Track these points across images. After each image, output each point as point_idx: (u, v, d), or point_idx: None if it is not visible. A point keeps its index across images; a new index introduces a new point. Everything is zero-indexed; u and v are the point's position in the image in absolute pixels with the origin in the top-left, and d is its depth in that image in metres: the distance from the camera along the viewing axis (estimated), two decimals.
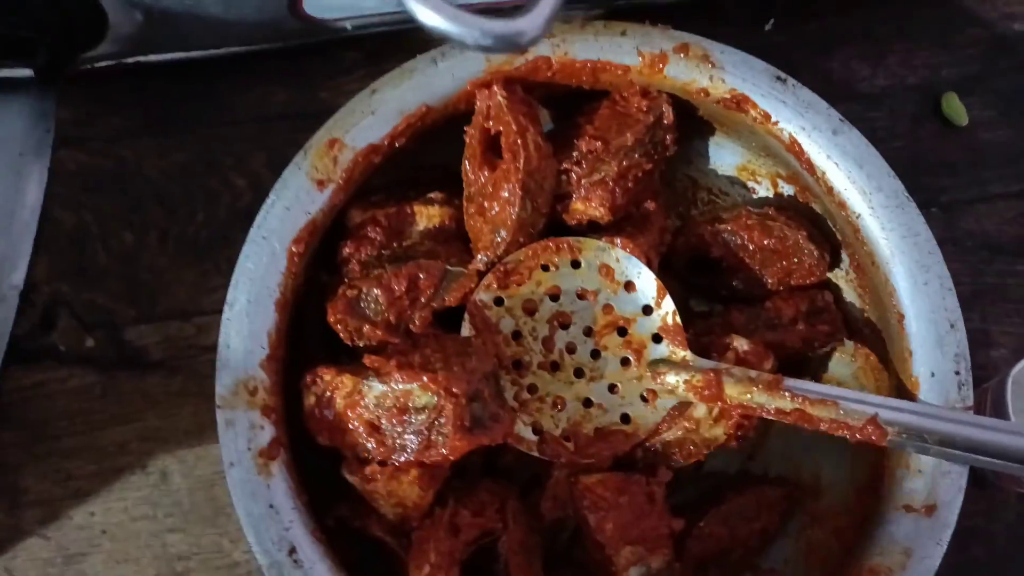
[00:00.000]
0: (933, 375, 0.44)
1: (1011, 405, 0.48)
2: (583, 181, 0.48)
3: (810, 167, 0.47)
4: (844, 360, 0.51)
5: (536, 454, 0.46)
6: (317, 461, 0.45)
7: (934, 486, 0.42)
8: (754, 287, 0.51)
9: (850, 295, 0.51)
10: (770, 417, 0.44)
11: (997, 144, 0.60)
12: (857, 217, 0.46)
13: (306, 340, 0.49)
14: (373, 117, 0.47)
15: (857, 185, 0.46)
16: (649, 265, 0.48)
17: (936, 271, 0.44)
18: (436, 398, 0.41)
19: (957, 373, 0.43)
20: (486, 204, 0.47)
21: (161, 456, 0.55)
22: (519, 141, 0.45)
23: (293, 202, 0.45)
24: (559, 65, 0.48)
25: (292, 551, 0.41)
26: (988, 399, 0.50)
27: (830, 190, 0.47)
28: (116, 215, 0.58)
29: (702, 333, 0.49)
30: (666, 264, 0.52)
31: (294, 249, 0.45)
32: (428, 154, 0.51)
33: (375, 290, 0.45)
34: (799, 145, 0.47)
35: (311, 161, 0.46)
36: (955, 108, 0.59)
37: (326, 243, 0.49)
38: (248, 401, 0.43)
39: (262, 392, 0.43)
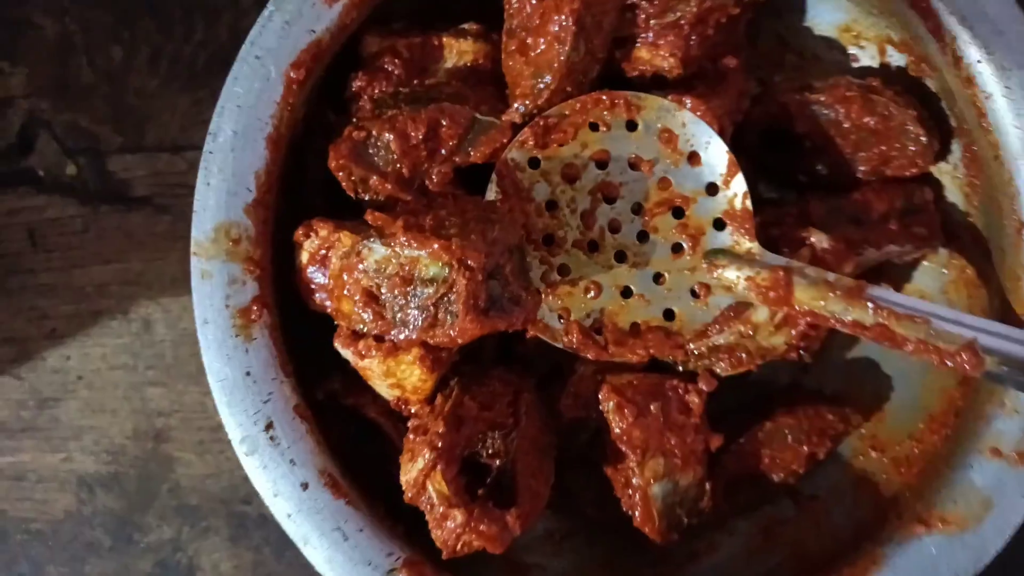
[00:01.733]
0: None
1: None
2: (652, 22, 0.39)
3: (937, 30, 0.37)
4: (933, 271, 0.43)
5: (560, 345, 0.39)
6: (311, 327, 0.39)
7: None
8: (841, 174, 0.43)
9: (954, 195, 0.42)
10: (845, 330, 0.37)
11: None
12: (987, 98, 0.37)
13: (306, 192, 0.42)
14: None
15: (995, 58, 0.36)
16: (721, 135, 0.39)
17: None
18: (448, 270, 0.34)
19: None
20: (530, 40, 0.38)
21: (144, 303, 0.50)
22: None
23: (295, 16, 0.37)
24: None
25: (269, 426, 0.36)
26: None
27: (958, 61, 0.37)
28: (104, 27, 0.50)
29: (772, 223, 0.41)
30: (736, 137, 0.43)
31: (293, 75, 0.37)
32: None
33: (387, 135, 0.38)
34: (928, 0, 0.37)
35: None
36: None
37: (335, 75, 0.41)
38: (229, 251, 0.37)
39: (246, 242, 0.37)
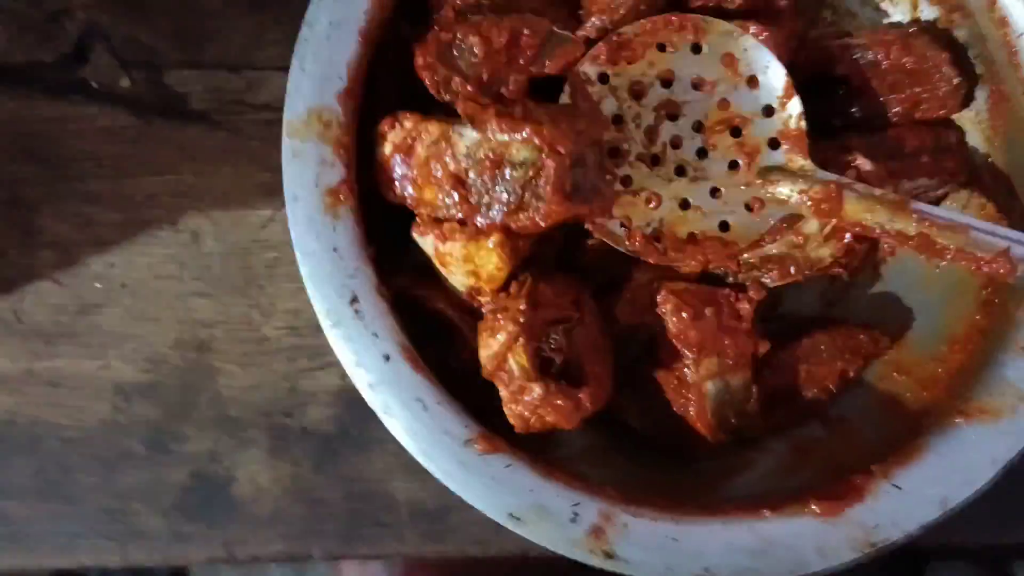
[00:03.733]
0: None
1: None
2: None
3: None
4: (955, 208, 0.47)
5: (623, 249, 0.41)
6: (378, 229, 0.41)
7: None
8: (875, 115, 0.46)
9: (975, 139, 0.46)
10: (890, 240, 0.40)
11: None
12: (1019, 36, 0.41)
13: (379, 102, 0.43)
14: None
15: None
16: (779, 60, 0.42)
17: None
18: (538, 154, 0.36)
19: None
20: None
21: (193, 215, 0.50)
22: None
23: None
24: None
25: (354, 300, 0.37)
26: None
27: (993, 3, 0.41)
28: None
29: (818, 151, 0.44)
30: None
31: None
32: None
33: (473, 38, 0.40)
34: None
35: None
36: None
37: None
38: (320, 133, 0.38)
39: (336, 127, 0.38)
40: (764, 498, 0.39)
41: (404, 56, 0.41)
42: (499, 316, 0.37)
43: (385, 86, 0.43)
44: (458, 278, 0.40)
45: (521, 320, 0.37)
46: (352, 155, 0.39)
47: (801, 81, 0.47)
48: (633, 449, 0.46)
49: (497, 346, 0.37)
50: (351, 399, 0.49)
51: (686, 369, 0.41)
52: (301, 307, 0.50)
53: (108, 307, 0.50)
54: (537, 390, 0.36)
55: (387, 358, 0.37)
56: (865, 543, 0.37)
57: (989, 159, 0.46)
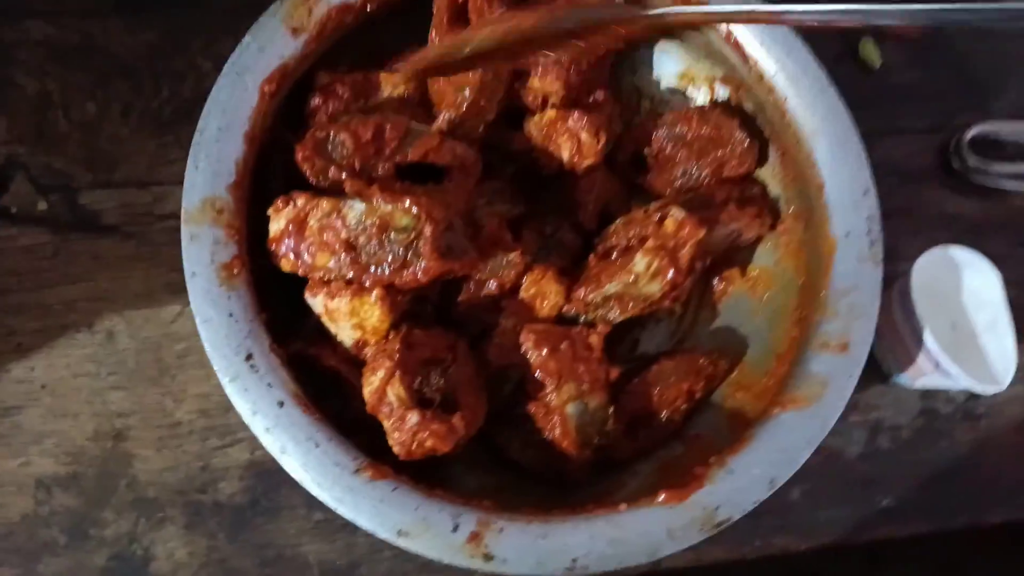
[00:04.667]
0: (848, 235, 0.48)
1: (915, 291, 0.53)
2: (541, 59, 0.51)
3: (744, 57, 0.52)
4: (768, 251, 0.56)
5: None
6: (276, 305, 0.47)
7: (848, 327, 0.47)
8: (691, 180, 0.55)
9: (775, 189, 0.56)
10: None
11: (906, 86, 0.66)
12: (784, 100, 0.51)
13: (267, 194, 0.50)
14: None
15: (786, 70, 0.51)
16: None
17: (853, 147, 0.50)
18: (417, 220, 0.43)
19: (868, 232, 0.48)
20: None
21: (108, 316, 0.56)
22: (487, 4, 0.49)
23: (267, 44, 0.48)
24: None
25: (249, 357, 0.43)
26: (895, 290, 0.55)
27: (760, 77, 0.52)
28: (80, 86, 0.59)
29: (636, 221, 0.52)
30: (611, 161, 0.56)
31: (266, 88, 0.47)
32: (390, 40, 0.54)
33: (343, 134, 0.48)
34: (735, 36, 0.52)
35: (287, 9, 0.48)
36: (870, 53, 0.66)
37: (291, 103, 0.51)
38: (213, 218, 0.45)
39: (227, 213, 0.45)
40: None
41: (287, 156, 0.49)
42: (377, 357, 0.43)
43: (273, 181, 0.50)
44: (346, 332, 0.46)
45: (396, 357, 0.43)
46: (243, 236, 0.46)
47: (628, 160, 0.57)
48: (520, 487, 0.51)
49: (377, 381, 0.42)
50: (261, 471, 0.54)
51: (550, 396, 0.47)
52: (210, 391, 0.55)
53: (28, 408, 0.54)
54: (414, 417, 0.42)
55: (281, 404, 0.42)
56: (709, 524, 0.43)
57: (788, 204, 0.55)
